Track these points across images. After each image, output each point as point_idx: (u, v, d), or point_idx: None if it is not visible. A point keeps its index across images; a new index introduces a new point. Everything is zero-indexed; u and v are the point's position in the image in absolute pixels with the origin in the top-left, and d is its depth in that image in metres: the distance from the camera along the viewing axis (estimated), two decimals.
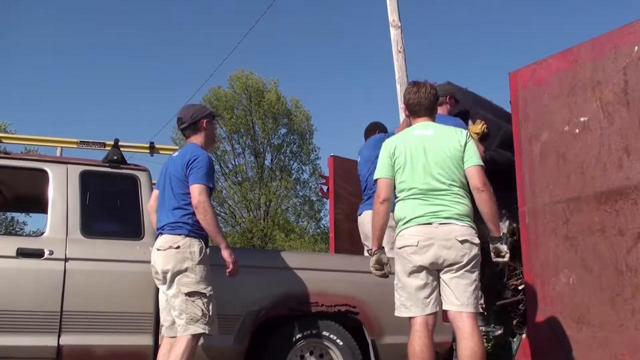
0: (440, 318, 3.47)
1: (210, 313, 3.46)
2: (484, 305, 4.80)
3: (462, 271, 3.29)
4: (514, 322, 5.17)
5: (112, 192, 4.12)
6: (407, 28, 8.22)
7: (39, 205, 4.42)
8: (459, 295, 3.27)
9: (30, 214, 16.82)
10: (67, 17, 41.87)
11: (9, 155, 3.92)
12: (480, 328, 3.79)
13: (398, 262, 3.42)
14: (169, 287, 3.49)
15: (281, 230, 28.17)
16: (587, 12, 44.36)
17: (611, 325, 3.95)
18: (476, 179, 3.36)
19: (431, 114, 3.59)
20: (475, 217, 3.41)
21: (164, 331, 3.60)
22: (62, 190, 3.81)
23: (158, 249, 3.53)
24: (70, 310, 3.58)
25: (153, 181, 4.06)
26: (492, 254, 3.48)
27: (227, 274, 3.57)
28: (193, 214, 3.51)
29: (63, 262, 3.63)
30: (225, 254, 3.54)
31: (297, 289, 4.02)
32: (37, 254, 3.62)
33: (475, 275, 3.32)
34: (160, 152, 4.46)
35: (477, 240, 3.33)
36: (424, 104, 3.55)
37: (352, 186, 6.17)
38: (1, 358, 3.44)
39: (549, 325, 4.31)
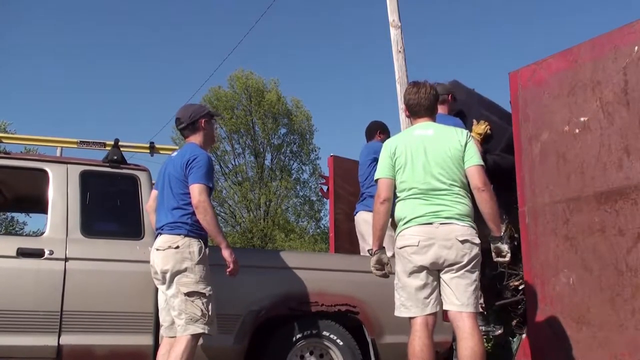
0: (440, 318, 3.47)
1: (210, 313, 3.45)
2: (483, 305, 4.81)
3: (462, 271, 3.29)
4: (514, 322, 5.17)
5: (112, 192, 4.12)
6: (407, 28, 8.22)
7: (39, 205, 4.42)
8: (459, 295, 3.27)
9: (30, 214, 16.82)
10: (67, 17, 41.92)
11: (9, 155, 3.92)
12: (480, 328, 3.79)
13: (398, 262, 3.42)
14: (169, 287, 3.49)
15: (281, 230, 28.16)
16: (587, 12, 44.41)
17: (611, 325, 3.95)
18: (477, 179, 3.36)
19: (431, 114, 3.60)
20: (475, 216, 3.42)
21: (163, 331, 3.60)
22: (62, 190, 3.81)
23: (157, 249, 3.52)
24: (71, 310, 3.58)
25: (153, 181, 4.06)
26: (493, 254, 3.48)
27: (228, 273, 3.56)
28: (192, 214, 3.51)
29: (63, 262, 3.63)
30: (226, 253, 3.54)
31: (297, 288, 4.02)
32: (37, 253, 3.62)
33: (475, 275, 3.32)
34: (160, 152, 4.46)
35: (477, 240, 3.33)
36: (424, 104, 3.55)
37: (352, 186, 6.18)
38: (1, 358, 3.44)
39: (549, 325, 4.31)
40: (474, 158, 3.41)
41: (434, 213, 3.32)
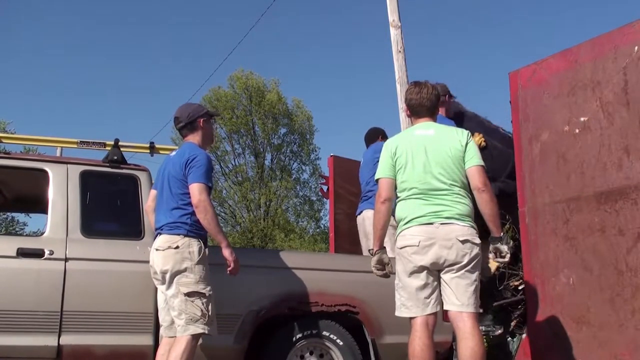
0: (441, 318, 3.48)
1: (210, 313, 3.46)
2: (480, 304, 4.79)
3: (462, 271, 3.29)
4: (514, 322, 5.16)
5: (113, 192, 4.12)
6: (407, 28, 8.23)
7: (39, 205, 4.42)
8: (460, 296, 3.27)
9: (30, 214, 16.81)
10: (67, 17, 41.93)
11: (9, 155, 3.92)
12: (480, 328, 3.79)
13: (399, 262, 3.42)
14: (168, 287, 3.49)
15: (281, 230, 28.16)
16: (587, 12, 44.40)
17: (611, 325, 3.95)
18: (477, 179, 3.37)
19: (432, 115, 3.60)
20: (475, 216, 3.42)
21: (162, 331, 3.60)
22: (62, 190, 3.81)
23: (157, 249, 3.52)
24: (71, 310, 3.58)
25: (153, 181, 4.06)
26: (492, 254, 3.48)
27: (228, 272, 3.56)
28: (192, 213, 3.51)
29: (63, 262, 3.63)
30: (226, 252, 3.55)
31: (297, 288, 4.02)
32: (38, 254, 3.62)
33: (475, 275, 3.32)
34: (160, 152, 4.45)
35: (477, 241, 3.33)
36: (426, 104, 3.56)
37: (352, 186, 6.19)
38: (1, 358, 3.44)
39: (549, 325, 4.31)
40: (474, 158, 3.41)
41: (434, 213, 3.33)
